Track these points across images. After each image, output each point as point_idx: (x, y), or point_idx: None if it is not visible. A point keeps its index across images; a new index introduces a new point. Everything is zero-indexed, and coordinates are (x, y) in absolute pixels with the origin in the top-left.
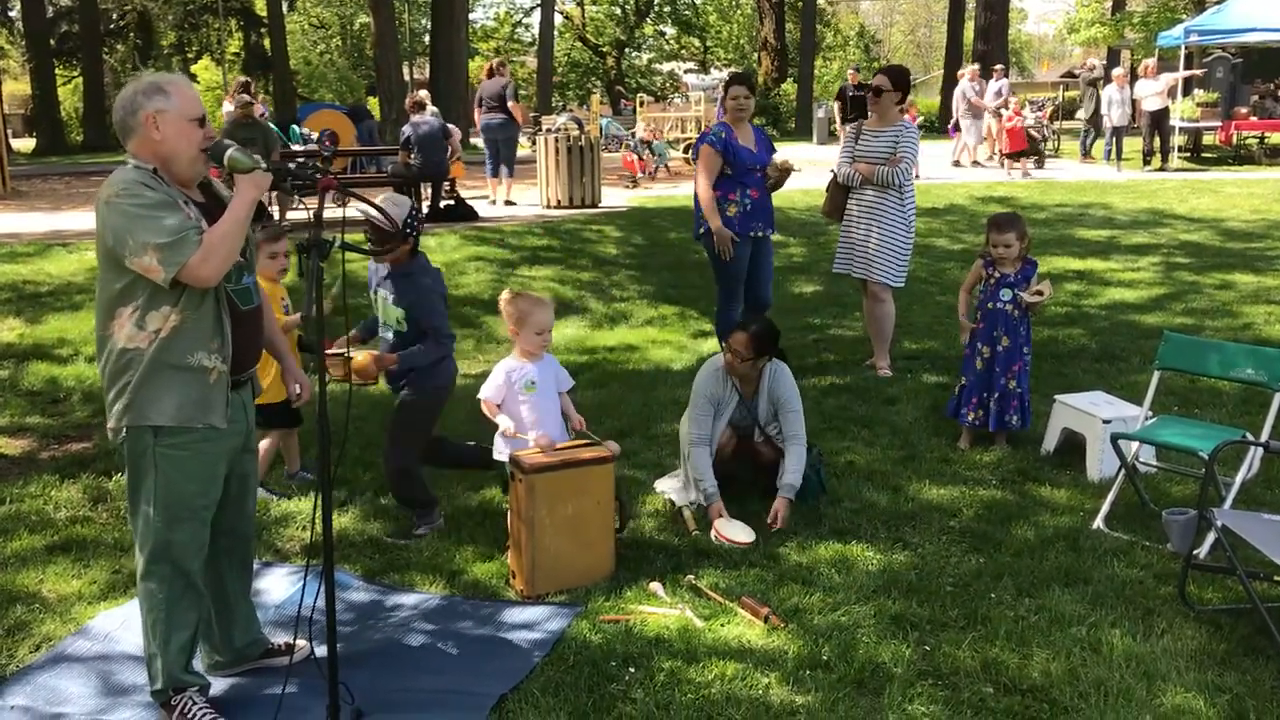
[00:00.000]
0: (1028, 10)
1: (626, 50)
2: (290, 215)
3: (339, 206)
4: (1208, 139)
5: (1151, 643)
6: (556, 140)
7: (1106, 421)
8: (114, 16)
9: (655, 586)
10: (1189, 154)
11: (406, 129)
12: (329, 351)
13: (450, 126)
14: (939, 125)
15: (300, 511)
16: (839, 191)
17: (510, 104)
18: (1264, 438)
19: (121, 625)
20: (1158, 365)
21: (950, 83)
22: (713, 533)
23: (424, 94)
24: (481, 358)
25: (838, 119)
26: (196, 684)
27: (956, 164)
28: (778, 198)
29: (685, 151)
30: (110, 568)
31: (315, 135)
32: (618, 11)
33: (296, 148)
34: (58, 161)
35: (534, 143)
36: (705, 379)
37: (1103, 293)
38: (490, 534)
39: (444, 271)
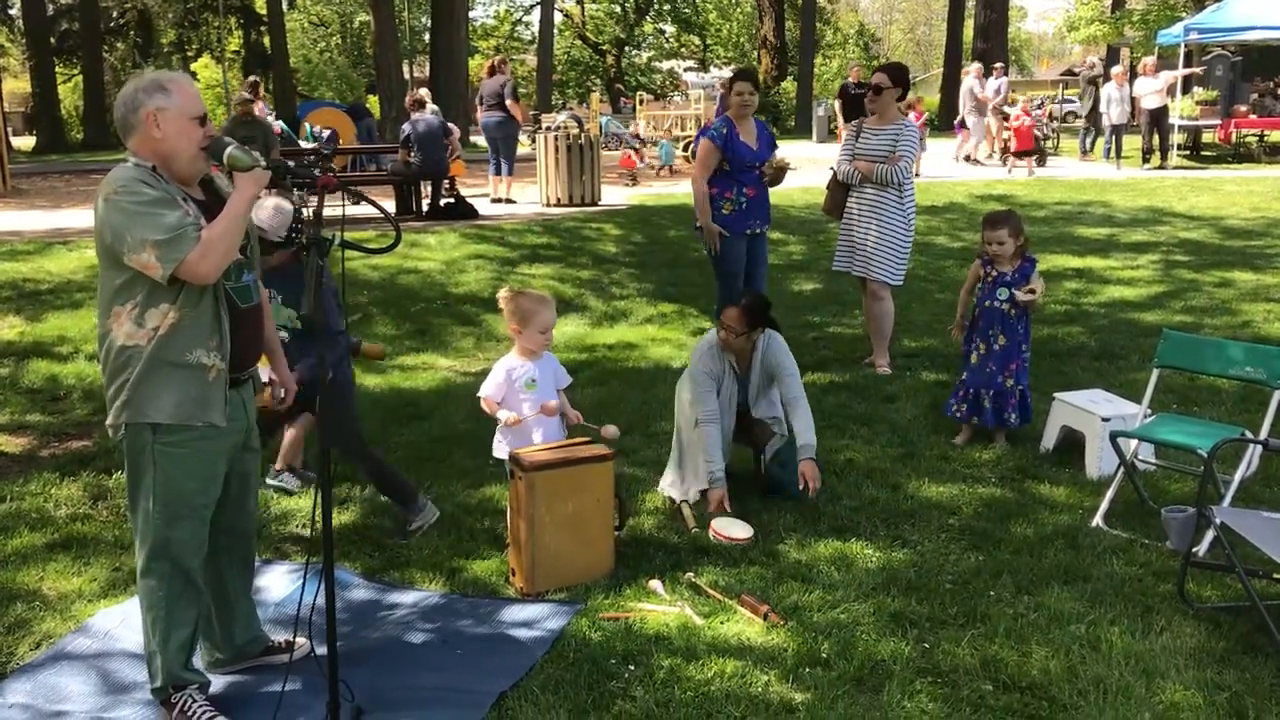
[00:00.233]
0: (1027, 8)
1: (626, 48)
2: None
3: (353, 202)
4: (1207, 137)
5: (1150, 640)
6: (556, 138)
7: (1105, 419)
8: (114, 14)
9: (655, 584)
10: (1188, 152)
11: (406, 127)
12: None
13: (450, 125)
14: (938, 124)
15: (300, 509)
16: (839, 189)
17: (508, 102)
18: (1263, 435)
19: (121, 623)
20: (1157, 363)
21: (951, 81)
22: (711, 531)
23: (424, 92)
24: (481, 355)
25: (839, 117)
26: (196, 681)
27: (969, 159)
28: (777, 196)
29: (685, 149)
30: (110, 565)
31: (328, 133)
32: (617, 9)
33: (306, 146)
34: (58, 159)
35: (534, 141)
36: (701, 356)
37: (1102, 291)
38: (490, 532)
39: (444, 270)
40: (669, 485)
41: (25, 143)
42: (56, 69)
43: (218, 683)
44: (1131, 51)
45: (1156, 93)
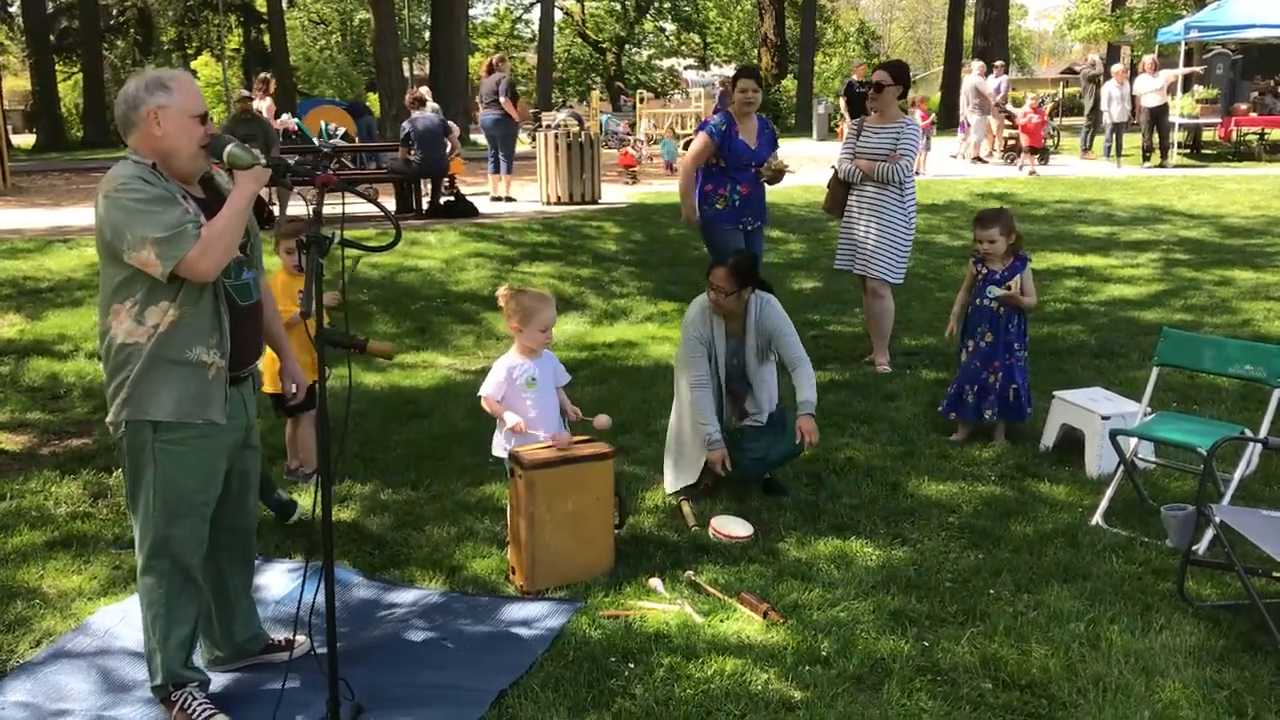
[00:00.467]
0: (1028, 6)
1: (626, 46)
2: (290, 209)
3: (365, 199)
4: (1207, 135)
5: (1150, 638)
6: (556, 136)
7: (1105, 418)
8: (114, 12)
9: (655, 582)
10: (1189, 150)
11: (406, 125)
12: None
13: (450, 123)
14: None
15: (301, 507)
16: (839, 187)
17: (503, 100)
18: (1262, 434)
19: (121, 621)
20: (1157, 361)
21: (951, 79)
22: (711, 529)
23: (424, 90)
24: (481, 354)
25: (846, 115)
26: (196, 679)
27: (977, 159)
28: (778, 195)
29: (685, 148)
30: (110, 563)
31: (341, 131)
32: (617, 7)
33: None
34: (58, 157)
35: (534, 139)
36: (692, 319)
37: (1102, 289)
38: (490, 530)
39: (444, 268)
40: (670, 482)
41: (25, 140)
42: (56, 67)
43: (218, 680)
44: (1132, 49)
45: (1157, 91)
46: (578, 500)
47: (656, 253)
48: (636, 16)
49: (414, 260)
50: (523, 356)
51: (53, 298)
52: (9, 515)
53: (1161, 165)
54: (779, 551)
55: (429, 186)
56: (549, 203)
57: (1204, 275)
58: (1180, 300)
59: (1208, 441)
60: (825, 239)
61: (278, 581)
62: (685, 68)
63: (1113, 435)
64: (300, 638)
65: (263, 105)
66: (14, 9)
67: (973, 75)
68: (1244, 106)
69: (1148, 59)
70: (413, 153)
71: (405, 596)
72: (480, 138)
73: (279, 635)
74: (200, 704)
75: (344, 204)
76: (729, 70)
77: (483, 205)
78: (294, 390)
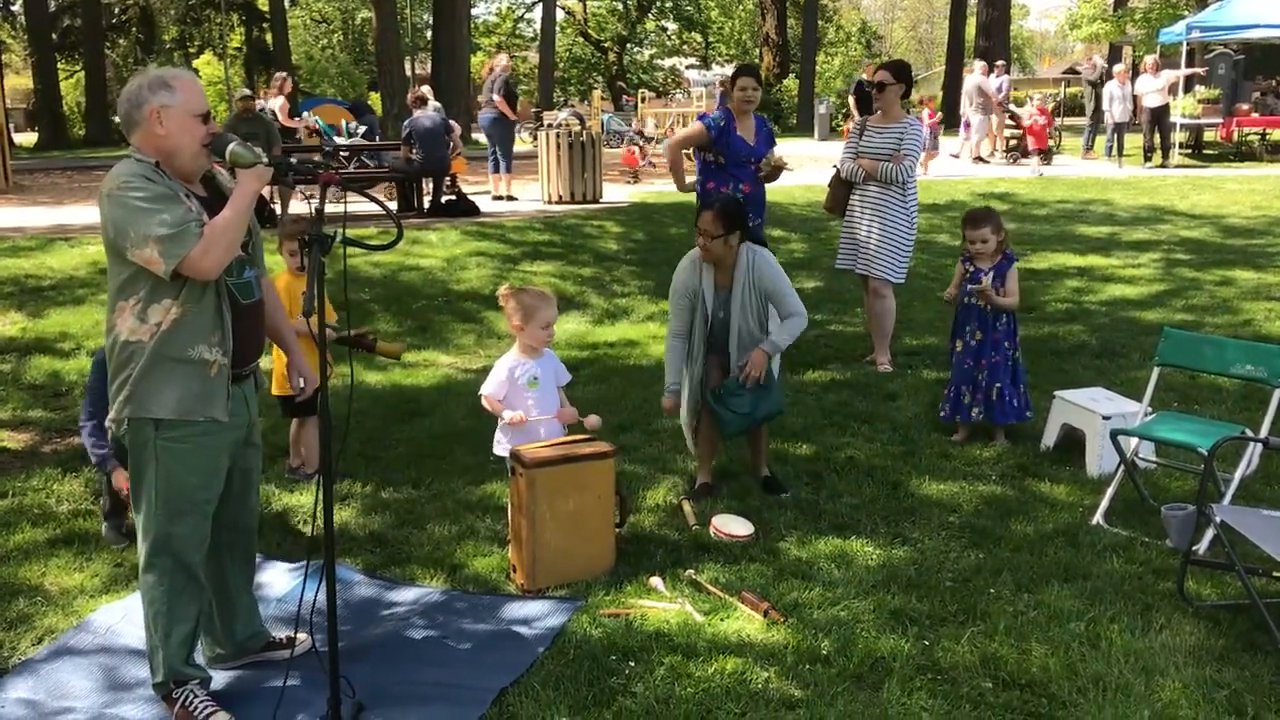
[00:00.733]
0: (1029, 6)
1: (628, 46)
2: (292, 208)
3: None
4: (1209, 135)
5: (1150, 638)
6: (558, 135)
7: (1106, 417)
8: (116, 11)
9: (655, 581)
10: (1190, 150)
11: (408, 124)
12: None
13: (451, 122)
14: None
15: (302, 506)
16: (841, 187)
17: (495, 98)
18: (1263, 434)
19: (123, 619)
20: (1157, 361)
21: (953, 79)
22: (712, 528)
23: (426, 89)
24: (482, 352)
25: (855, 113)
26: (197, 677)
27: (978, 159)
28: (778, 194)
29: None
30: (112, 561)
31: (362, 130)
32: (619, 7)
33: (342, 141)
34: (60, 156)
35: (535, 138)
36: (681, 271)
37: (1103, 289)
38: (491, 528)
39: (445, 267)
40: (690, 442)
41: (27, 139)
42: (58, 65)
43: (219, 678)
44: (1134, 50)
45: (1158, 91)
46: (579, 499)
47: (658, 252)
48: (638, 16)
49: (415, 259)
50: (524, 355)
51: (54, 296)
52: (11, 513)
53: (1163, 165)
54: (779, 550)
55: (430, 185)
56: (550, 202)
57: (1205, 275)
58: (1181, 300)
59: (1208, 441)
60: (826, 238)
61: (279, 579)
62: (687, 67)
63: (1113, 435)
64: (301, 636)
65: (275, 104)
66: (16, 7)
67: (975, 75)
68: (1245, 107)
69: (1149, 59)
70: (414, 152)
71: (406, 595)
72: (481, 137)
73: (280, 633)
74: (201, 701)
75: (345, 202)
76: (730, 70)
77: (484, 204)
78: (302, 385)
